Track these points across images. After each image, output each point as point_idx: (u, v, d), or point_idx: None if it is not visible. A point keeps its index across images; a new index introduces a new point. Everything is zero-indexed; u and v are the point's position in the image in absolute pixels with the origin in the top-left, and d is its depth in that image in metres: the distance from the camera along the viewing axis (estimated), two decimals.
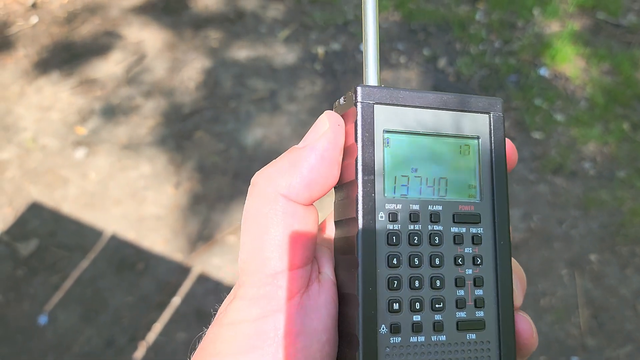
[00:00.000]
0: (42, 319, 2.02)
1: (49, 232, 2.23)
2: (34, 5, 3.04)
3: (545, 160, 2.54)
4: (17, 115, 2.58)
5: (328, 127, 0.44)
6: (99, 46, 2.86)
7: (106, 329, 2.00)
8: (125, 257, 2.17)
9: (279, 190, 0.42)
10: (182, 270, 2.13)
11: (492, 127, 0.47)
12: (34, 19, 2.98)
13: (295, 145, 0.44)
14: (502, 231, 0.46)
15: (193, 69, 2.78)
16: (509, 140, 0.49)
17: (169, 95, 2.67)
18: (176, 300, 2.06)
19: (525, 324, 0.47)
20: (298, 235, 0.42)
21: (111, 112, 2.60)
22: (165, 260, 2.16)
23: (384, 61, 2.89)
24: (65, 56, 2.82)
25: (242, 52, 2.87)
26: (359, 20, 3.07)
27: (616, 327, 2.09)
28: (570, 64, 2.93)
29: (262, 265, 0.42)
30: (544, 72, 2.89)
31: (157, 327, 2.01)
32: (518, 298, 0.48)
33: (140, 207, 2.30)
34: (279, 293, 0.42)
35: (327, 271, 0.46)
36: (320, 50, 2.91)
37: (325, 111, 0.46)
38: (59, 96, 2.65)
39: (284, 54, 2.87)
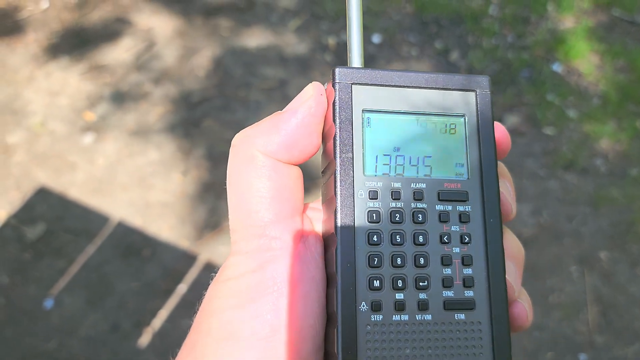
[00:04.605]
0: (48, 303, 2.02)
1: (56, 217, 2.22)
2: None
3: (557, 156, 2.52)
4: (26, 99, 2.57)
5: (311, 95, 0.44)
6: (109, 32, 2.85)
7: (112, 314, 2.00)
8: (132, 243, 2.16)
9: (257, 148, 0.42)
10: (189, 258, 2.13)
11: (478, 104, 0.46)
12: (45, 4, 2.97)
13: (278, 111, 0.44)
14: (491, 209, 0.44)
15: (203, 57, 2.77)
16: (501, 124, 0.47)
17: (179, 83, 2.66)
18: (182, 288, 2.06)
19: (521, 309, 0.46)
20: (282, 187, 0.42)
21: (120, 99, 2.59)
22: (171, 247, 2.15)
23: (395, 53, 2.86)
24: (76, 42, 2.81)
25: (252, 41, 2.85)
26: (370, 12, 3.05)
27: (625, 325, 2.07)
28: (583, 60, 2.89)
29: (252, 218, 0.42)
30: (557, 67, 2.86)
31: (163, 314, 2.00)
32: (516, 284, 0.46)
33: (147, 194, 2.29)
34: (273, 244, 0.41)
35: (319, 228, 0.46)
36: (331, 41, 2.88)
37: (312, 82, 0.46)
38: (68, 81, 2.64)
39: (294, 44, 2.85)
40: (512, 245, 0.48)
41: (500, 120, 2.63)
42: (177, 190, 2.30)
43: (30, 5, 2.95)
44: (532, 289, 2.13)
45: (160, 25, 2.89)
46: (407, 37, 2.94)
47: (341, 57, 2.82)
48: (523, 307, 0.46)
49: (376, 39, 2.91)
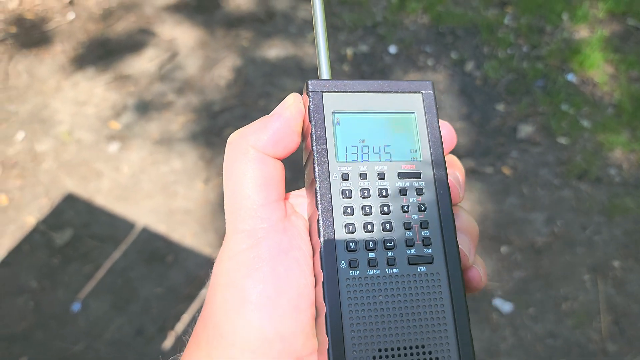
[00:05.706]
0: (75, 307, 2.10)
1: (83, 223, 2.30)
2: (71, 2, 3.13)
3: (571, 166, 2.55)
4: (54, 109, 2.66)
5: (292, 102, 0.54)
6: (133, 43, 2.94)
7: (136, 318, 2.08)
8: (156, 249, 2.24)
9: (250, 143, 0.52)
10: (211, 264, 2.19)
11: (424, 103, 0.57)
12: (71, 15, 3.06)
13: (266, 115, 0.55)
14: (440, 183, 0.54)
15: (224, 67, 2.84)
16: (448, 123, 0.58)
17: (200, 93, 2.74)
18: (205, 293, 2.12)
19: (474, 273, 0.56)
20: (269, 176, 0.52)
21: (144, 108, 2.67)
22: (194, 254, 2.22)
23: (411, 64, 2.92)
24: (101, 52, 2.90)
25: (272, 52, 2.92)
26: (387, 22, 3.10)
27: (638, 333, 2.10)
28: (598, 70, 2.92)
29: (246, 201, 0.51)
30: (571, 77, 2.89)
31: (186, 318, 2.07)
32: (470, 253, 0.55)
33: (170, 201, 2.37)
34: (265, 223, 0.51)
35: (302, 210, 0.56)
36: (349, 52, 2.94)
37: (292, 93, 0.56)
38: (94, 91, 2.73)
39: (313, 55, 2.92)
40: (467, 221, 0.58)
41: (515, 130, 2.67)
42: (200, 198, 2.37)
43: (57, 17, 3.05)
44: (545, 297, 2.17)
45: (182, 36, 2.97)
46: (423, 47, 2.99)
47: (358, 67, 2.88)
48: (477, 271, 0.56)
49: (393, 49, 2.97)
